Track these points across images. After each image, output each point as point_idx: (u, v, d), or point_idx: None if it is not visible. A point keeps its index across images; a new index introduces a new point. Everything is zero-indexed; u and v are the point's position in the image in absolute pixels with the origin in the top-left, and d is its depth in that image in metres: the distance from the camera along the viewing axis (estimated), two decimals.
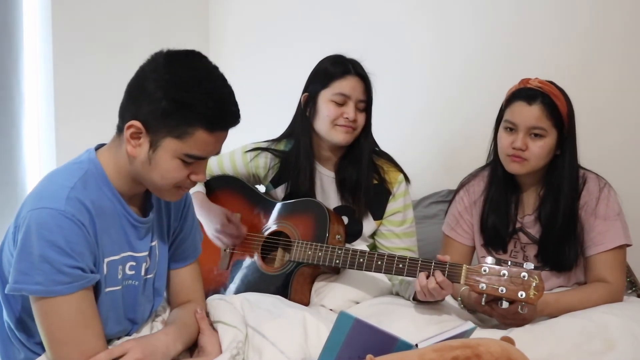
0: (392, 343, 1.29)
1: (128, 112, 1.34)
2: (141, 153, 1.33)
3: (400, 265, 1.70)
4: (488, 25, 2.62)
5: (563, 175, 1.83)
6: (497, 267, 1.59)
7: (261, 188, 2.12)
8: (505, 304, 1.58)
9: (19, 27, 2.61)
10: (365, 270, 1.78)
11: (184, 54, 1.35)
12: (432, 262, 1.66)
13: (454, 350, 1.20)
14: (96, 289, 1.36)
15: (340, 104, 1.90)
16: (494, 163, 1.92)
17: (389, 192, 1.99)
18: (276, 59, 3.18)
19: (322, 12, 3.01)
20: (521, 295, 1.55)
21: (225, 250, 1.98)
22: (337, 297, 1.86)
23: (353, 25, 2.91)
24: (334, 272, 1.94)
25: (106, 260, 1.38)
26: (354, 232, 1.99)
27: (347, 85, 1.90)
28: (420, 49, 2.78)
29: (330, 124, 1.90)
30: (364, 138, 1.97)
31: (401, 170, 2.02)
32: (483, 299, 1.61)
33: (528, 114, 1.78)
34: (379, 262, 1.73)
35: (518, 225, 1.91)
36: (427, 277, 1.65)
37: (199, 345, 1.51)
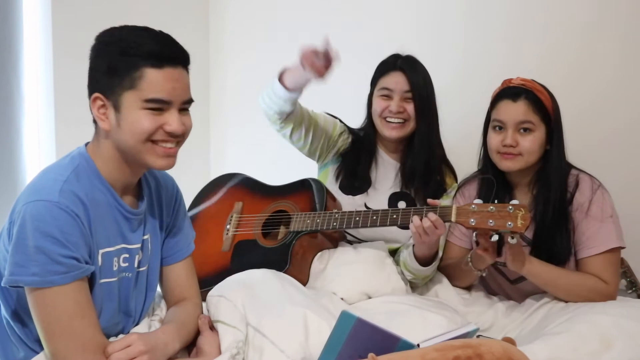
0: (394, 342, 1.28)
1: (89, 94, 1.40)
2: (111, 121, 1.37)
3: (395, 216, 1.78)
4: (487, 25, 2.63)
5: (552, 168, 1.84)
6: (484, 203, 1.67)
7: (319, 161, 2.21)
8: (495, 237, 1.66)
9: (19, 27, 2.60)
10: (361, 228, 1.84)
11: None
12: (423, 208, 1.75)
13: (456, 350, 1.20)
14: (90, 280, 1.37)
15: (387, 99, 2.02)
16: (485, 166, 1.95)
17: (444, 189, 2.08)
18: (276, 58, 3.17)
19: (322, 9, 3.01)
20: (509, 225, 1.61)
21: (227, 234, 2.02)
22: (350, 286, 1.86)
23: (352, 23, 2.92)
24: (333, 244, 1.98)
25: (101, 251, 1.39)
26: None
27: (390, 80, 2.04)
28: (419, 49, 2.78)
29: (380, 118, 2.05)
30: (423, 127, 2.04)
31: (457, 181, 2.13)
32: (474, 235, 1.70)
33: (514, 110, 1.82)
34: (374, 217, 1.80)
35: None
36: (421, 219, 1.73)
37: (197, 346, 1.52)
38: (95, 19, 2.81)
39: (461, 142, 2.63)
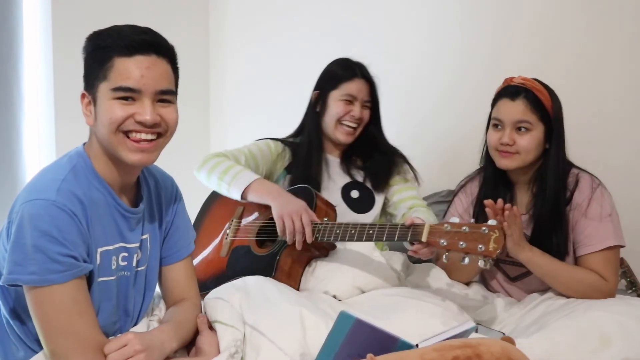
0: (393, 343, 1.28)
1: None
2: (93, 116, 1.38)
3: (370, 231, 1.77)
4: (488, 25, 2.63)
5: (550, 167, 1.85)
6: (459, 222, 1.60)
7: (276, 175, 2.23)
8: (466, 260, 1.57)
9: (19, 27, 2.61)
10: (340, 241, 1.85)
11: None
12: (397, 227, 1.70)
13: (455, 350, 1.20)
14: (89, 278, 1.38)
15: (348, 103, 2.09)
16: (485, 164, 1.98)
17: (394, 164, 2.18)
18: (275, 57, 3.19)
19: (321, 9, 3.02)
20: (480, 249, 1.54)
21: (226, 238, 2.04)
22: (342, 283, 1.86)
23: (353, 22, 2.92)
24: (323, 253, 1.98)
25: (99, 250, 1.39)
26: (366, 202, 2.14)
27: (354, 87, 2.10)
28: (420, 49, 2.78)
29: (336, 121, 2.10)
30: (372, 129, 2.16)
31: (403, 157, 2.22)
32: (444, 256, 1.61)
33: (512, 109, 1.84)
34: (352, 231, 1.80)
35: None
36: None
37: (196, 345, 1.52)
38: (95, 19, 2.80)
39: (461, 142, 2.64)
